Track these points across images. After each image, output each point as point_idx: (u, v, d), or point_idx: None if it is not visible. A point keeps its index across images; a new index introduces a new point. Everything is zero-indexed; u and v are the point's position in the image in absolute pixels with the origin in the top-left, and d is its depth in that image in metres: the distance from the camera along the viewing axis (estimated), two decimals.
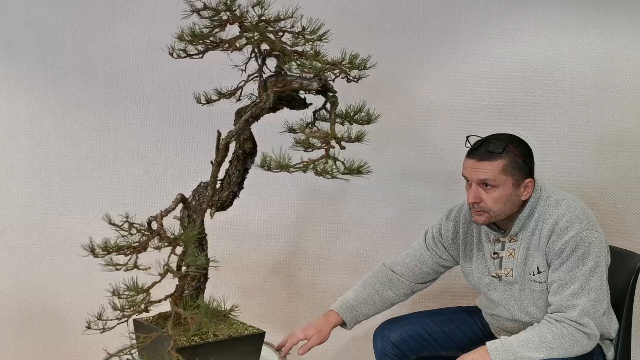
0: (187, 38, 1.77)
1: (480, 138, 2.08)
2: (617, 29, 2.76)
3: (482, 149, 2.03)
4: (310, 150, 1.75)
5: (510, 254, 2.11)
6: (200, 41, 1.78)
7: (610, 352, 2.12)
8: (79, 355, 2.73)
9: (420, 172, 2.83)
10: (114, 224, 1.66)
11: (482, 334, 2.32)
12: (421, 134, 2.81)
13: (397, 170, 2.83)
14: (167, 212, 1.77)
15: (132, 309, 1.67)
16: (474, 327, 2.36)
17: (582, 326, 1.93)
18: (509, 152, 2.01)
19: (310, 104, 1.93)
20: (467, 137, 2.08)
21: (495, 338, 2.08)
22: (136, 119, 2.70)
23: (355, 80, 1.89)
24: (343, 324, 2.25)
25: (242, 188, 1.97)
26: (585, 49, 2.77)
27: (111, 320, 1.67)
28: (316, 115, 1.89)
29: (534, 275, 2.06)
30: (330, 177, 1.72)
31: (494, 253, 2.15)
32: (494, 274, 2.15)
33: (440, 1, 2.76)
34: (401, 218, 2.84)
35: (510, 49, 2.77)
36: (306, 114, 1.90)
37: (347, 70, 1.84)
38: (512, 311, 2.14)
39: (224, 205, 1.95)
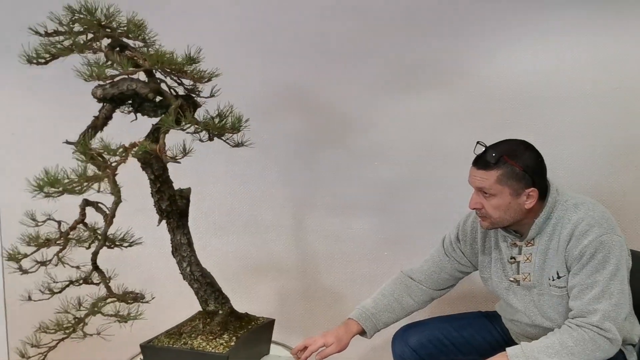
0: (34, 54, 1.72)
1: (485, 145, 2.04)
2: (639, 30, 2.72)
3: (482, 157, 2.02)
4: (103, 162, 1.63)
5: (527, 258, 2.09)
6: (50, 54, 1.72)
7: (633, 358, 2.08)
8: (80, 355, 2.75)
9: (438, 178, 2.81)
10: (33, 219, 1.75)
11: (502, 340, 2.30)
12: (433, 138, 2.79)
13: (411, 176, 2.82)
14: (82, 214, 1.81)
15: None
16: (493, 332, 2.33)
17: (603, 331, 1.90)
18: (505, 163, 1.98)
19: (165, 110, 1.79)
20: (477, 142, 2.05)
21: (515, 344, 2.05)
22: (136, 119, 2.72)
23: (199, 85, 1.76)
24: (363, 333, 2.25)
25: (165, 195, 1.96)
26: (608, 49, 2.72)
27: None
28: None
29: (553, 280, 2.03)
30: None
31: (511, 257, 2.12)
32: (512, 279, 2.13)
33: (447, 2, 2.75)
34: (418, 223, 2.83)
35: (530, 49, 2.74)
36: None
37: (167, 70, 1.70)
38: (532, 316, 2.12)
39: (161, 212, 1.96)
